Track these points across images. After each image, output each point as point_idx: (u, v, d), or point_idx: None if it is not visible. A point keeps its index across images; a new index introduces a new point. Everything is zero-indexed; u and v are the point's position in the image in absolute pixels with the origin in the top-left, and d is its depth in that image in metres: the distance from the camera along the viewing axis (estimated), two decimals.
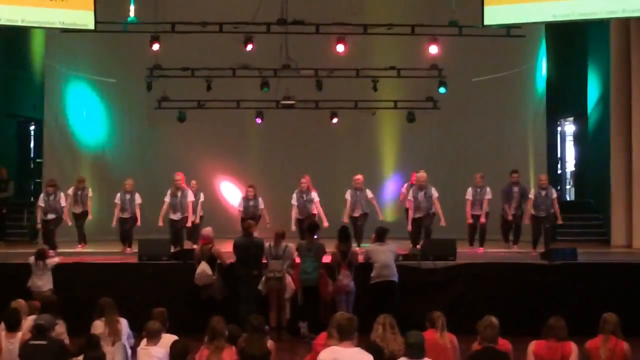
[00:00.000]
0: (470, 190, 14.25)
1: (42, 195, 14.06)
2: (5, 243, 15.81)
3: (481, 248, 14.11)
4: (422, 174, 13.99)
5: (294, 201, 14.09)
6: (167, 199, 14.15)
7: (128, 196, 14.24)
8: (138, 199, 14.29)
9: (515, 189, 14.19)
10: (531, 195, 13.82)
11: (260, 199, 14.35)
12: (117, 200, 14.29)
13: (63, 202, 13.93)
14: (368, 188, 14.32)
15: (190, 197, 14.17)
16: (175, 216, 14.10)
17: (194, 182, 14.96)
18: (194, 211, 14.32)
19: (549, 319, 6.96)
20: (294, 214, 14.07)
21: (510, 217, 14.08)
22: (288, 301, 10.94)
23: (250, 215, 13.97)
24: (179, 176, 14.25)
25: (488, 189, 14.21)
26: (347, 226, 11.92)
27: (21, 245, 15.25)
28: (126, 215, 14.22)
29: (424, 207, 13.75)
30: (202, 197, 14.88)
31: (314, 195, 14.10)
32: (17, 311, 7.88)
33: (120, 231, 14.33)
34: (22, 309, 8.16)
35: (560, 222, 13.93)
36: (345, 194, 14.20)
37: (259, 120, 17.99)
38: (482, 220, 14.15)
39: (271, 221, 14.05)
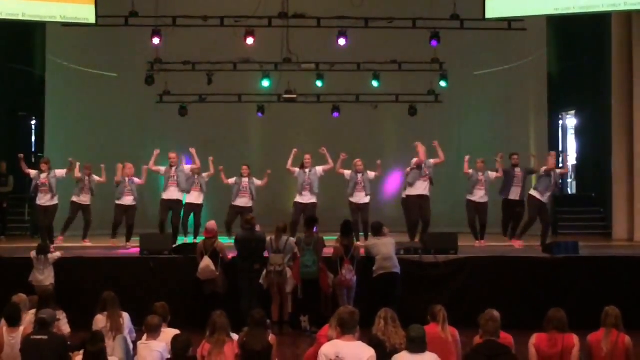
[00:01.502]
0: (472, 171, 14.20)
1: (34, 173, 13.53)
2: (6, 237, 15.80)
3: (482, 241, 14.08)
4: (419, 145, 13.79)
5: (296, 174, 13.95)
6: (162, 169, 13.82)
7: (127, 179, 13.77)
8: (138, 181, 13.87)
9: (517, 170, 14.18)
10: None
11: (254, 179, 14.23)
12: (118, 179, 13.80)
13: (63, 173, 13.49)
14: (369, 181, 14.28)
15: (189, 167, 13.92)
16: (167, 194, 13.68)
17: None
18: (201, 186, 14.10)
19: (549, 311, 6.97)
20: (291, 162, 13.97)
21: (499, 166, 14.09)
22: (290, 295, 10.94)
23: (236, 194, 14.02)
24: (173, 155, 13.89)
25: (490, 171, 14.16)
26: (350, 220, 11.87)
27: (22, 240, 15.25)
28: (127, 201, 13.74)
29: (421, 181, 13.57)
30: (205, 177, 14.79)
31: (319, 168, 14.03)
32: (18, 306, 7.87)
33: (115, 220, 13.86)
34: (24, 304, 8.15)
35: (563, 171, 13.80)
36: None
37: (260, 115, 17.99)
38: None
39: (272, 215, 13.97)
